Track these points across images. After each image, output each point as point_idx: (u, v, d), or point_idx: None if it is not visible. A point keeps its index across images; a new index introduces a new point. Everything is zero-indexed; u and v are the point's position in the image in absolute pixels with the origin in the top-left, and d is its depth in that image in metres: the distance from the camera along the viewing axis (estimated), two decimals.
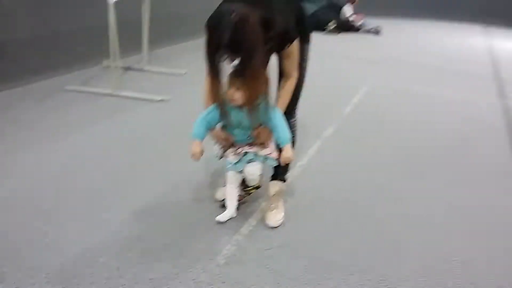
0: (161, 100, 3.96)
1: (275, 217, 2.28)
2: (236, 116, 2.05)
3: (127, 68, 4.77)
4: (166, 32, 5.99)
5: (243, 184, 2.35)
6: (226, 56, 1.79)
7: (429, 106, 4.47)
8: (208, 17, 1.84)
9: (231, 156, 2.17)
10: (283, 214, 2.32)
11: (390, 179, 2.86)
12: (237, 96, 1.94)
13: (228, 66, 1.88)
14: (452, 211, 2.55)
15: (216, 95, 1.99)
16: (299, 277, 1.91)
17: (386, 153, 3.28)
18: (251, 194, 2.44)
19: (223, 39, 1.69)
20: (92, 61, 4.86)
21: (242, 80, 1.89)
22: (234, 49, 1.73)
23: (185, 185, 2.59)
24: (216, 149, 2.22)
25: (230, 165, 2.19)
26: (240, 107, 2.01)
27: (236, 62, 1.81)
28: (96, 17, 4.68)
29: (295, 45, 2.02)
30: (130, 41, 4.67)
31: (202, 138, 2.10)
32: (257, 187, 2.42)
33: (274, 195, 2.36)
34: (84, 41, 4.71)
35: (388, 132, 3.71)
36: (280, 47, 2.01)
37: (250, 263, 1.99)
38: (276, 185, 2.39)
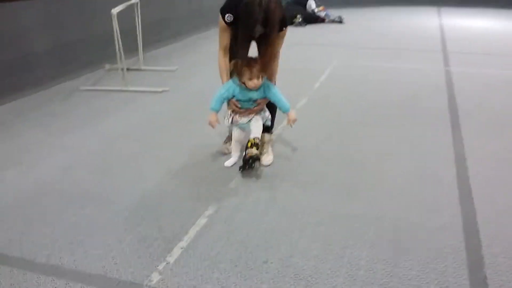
0: (163, 91, 4.76)
1: (267, 158, 3.12)
2: (248, 94, 2.85)
3: (127, 69, 5.53)
4: (155, 36, 6.77)
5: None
6: (258, 29, 2.58)
7: (386, 76, 5.38)
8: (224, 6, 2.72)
9: (240, 118, 2.95)
10: (272, 156, 3.16)
11: (353, 129, 3.74)
12: (257, 83, 2.77)
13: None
14: (400, 146, 3.44)
15: (239, 69, 2.77)
16: (288, 190, 2.77)
17: (349, 112, 4.16)
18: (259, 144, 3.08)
19: (259, 15, 2.50)
20: (96, 66, 5.64)
21: (262, 60, 2.75)
22: (264, 24, 2.56)
23: (202, 147, 3.42)
24: (227, 118, 2.98)
25: (239, 125, 2.98)
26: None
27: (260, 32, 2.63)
28: (97, 27, 5.47)
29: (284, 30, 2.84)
30: (125, 46, 5.44)
31: (218, 111, 2.90)
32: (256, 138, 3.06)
33: (265, 143, 3.19)
34: (88, 48, 5.48)
35: (350, 97, 4.60)
36: (280, 29, 2.76)
37: (253, 184, 2.85)
38: (266, 136, 3.23)
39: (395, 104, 4.35)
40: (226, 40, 2.83)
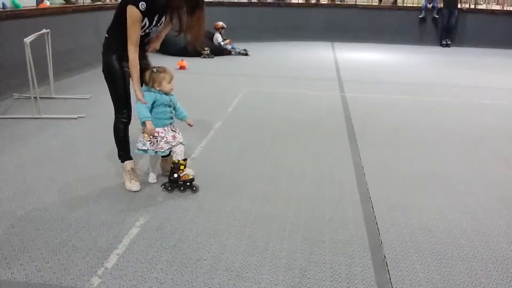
0: (79, 117, 4.80)
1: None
2: (166, 98, 3.06)
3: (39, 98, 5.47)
4: (64, 65, 6.72)
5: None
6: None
7: (290, 101, 5.91)
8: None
9: (161, 146, 3.07)
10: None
11: (265, 147, 4.12)
12: (172, 86, 3.04)
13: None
14: (309, 158, 3.87)
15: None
16: (213, 200, 3.04)
17: (260, 132, 4.56)
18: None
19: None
20: (3, 95, 5.47)
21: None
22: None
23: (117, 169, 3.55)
24: (145, 145, 3.07)
25: (158, 153, 3.11)
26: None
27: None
28: (2, 57, 5.36)
29: None
30: (35, 75, 5.38)
31: (150, 118, 2.99)
32: (185, 159, 3.24)
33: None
34: None
35: (260, 120, 5.01)
36: None
37: (180, 196, 3.07)
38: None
39: (300, 125, 4.84)
40: (138, 33, 2.89)
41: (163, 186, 3.16)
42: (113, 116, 3.17)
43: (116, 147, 3.26)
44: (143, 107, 2.98)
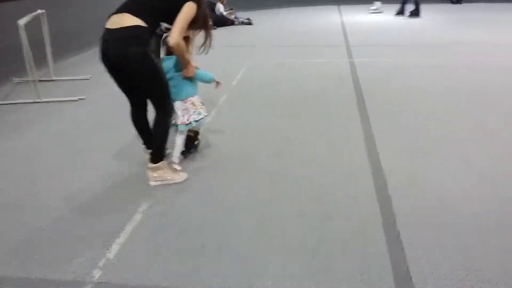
0: (79, 99, 4.68)
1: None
2: None
3: (39, 81, 5.34)
4: (63, 47, 6.57)
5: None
6: None
7: (297, 70, 5.72)
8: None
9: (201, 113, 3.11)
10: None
11: (272, 121, 3.97)
12: None
13: None
14: (318, 131, 3.72)
15: None
16: (221, 182, 2.92)
17: (267, 105, 4.40)
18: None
19: None
20: (2, 80, 5.37)
21: None
22: None
23: (127, 149, 3.44)
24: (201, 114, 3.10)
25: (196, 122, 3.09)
26: None
27: None
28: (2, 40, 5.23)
29: None
30: (33, 58, 5.26)
31: None
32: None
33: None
34: None
35: (267, 92, 4.85)
36: None
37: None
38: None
39: (307, 96, 4.67)
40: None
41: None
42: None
43: (160, 150, 2.91)
44: (202, 71, 3.17)
